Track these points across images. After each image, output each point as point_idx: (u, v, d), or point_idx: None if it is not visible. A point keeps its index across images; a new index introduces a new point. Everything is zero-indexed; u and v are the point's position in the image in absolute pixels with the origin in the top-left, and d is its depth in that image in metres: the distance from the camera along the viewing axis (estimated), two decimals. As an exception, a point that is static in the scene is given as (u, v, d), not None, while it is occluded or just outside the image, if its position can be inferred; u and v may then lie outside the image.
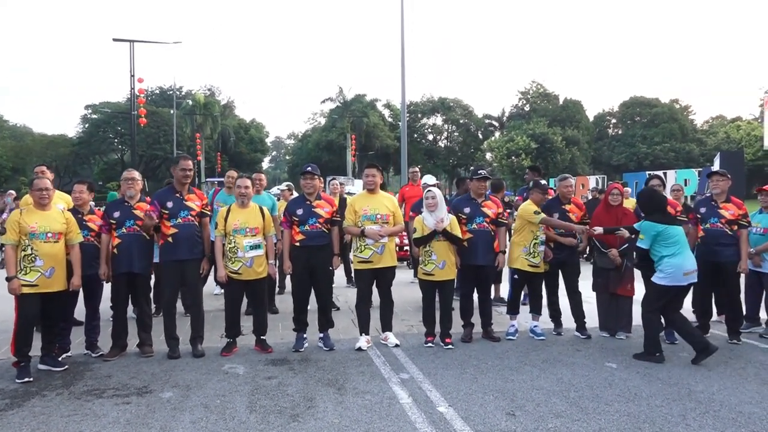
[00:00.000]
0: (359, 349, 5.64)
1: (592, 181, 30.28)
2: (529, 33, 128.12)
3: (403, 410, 4.17)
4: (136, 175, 5.85)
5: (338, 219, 5.82)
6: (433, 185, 7.02)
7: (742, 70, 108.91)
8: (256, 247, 5.50)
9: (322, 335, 5.86)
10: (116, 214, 5.60)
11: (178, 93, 55.20)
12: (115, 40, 24.70)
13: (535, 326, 6.30)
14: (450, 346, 5.73)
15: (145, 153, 49.04)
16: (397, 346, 5.73)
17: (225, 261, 5.51)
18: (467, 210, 6.04)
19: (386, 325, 5.94)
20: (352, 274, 7.90)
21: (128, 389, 4.67)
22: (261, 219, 5.59)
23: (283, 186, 9.82)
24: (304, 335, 5.78)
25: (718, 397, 4.41)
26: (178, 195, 5.63)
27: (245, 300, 5.88)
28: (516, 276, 6.26)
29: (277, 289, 8.08)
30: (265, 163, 78.08)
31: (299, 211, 5.64)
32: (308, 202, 5.69)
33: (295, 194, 7.56)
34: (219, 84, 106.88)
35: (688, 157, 51.78)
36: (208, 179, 41.97)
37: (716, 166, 16.32)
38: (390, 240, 5.77)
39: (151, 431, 3.85)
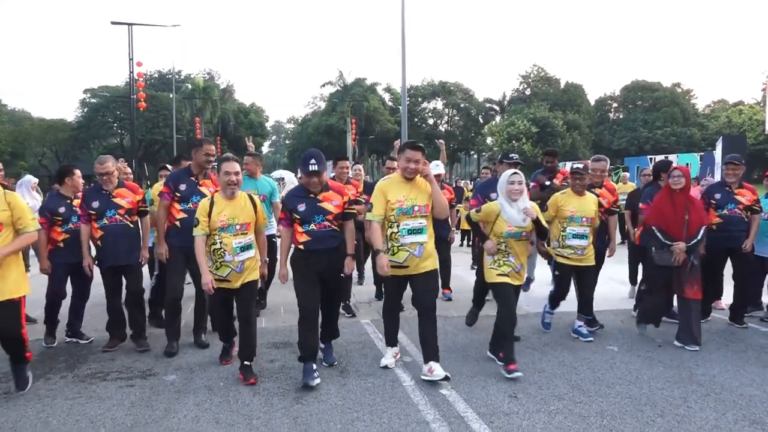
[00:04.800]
0: (385, 367, 4.71)
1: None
2: (530, 16, 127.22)
3: (406, 393, 4.20)
4: (110, 165, 5.21)
5: (352, 210, 4.67)
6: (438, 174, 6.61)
7: (745, 55, 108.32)
8: (248, 247, 4.50)
9: (323, 346, 4.91)
10: (95, 204, 5.14)
11: (177, 77, 54.98)
12: (113, 23, 24.50)
13: (580, 326, 5.64)
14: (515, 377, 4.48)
15: (144, 137, 48.87)
16: (446, 379, 4.35)
17: (209, 266, 4.48)
18: (494, 196, 5.27)
19: (431, 352, 4.48)
20: (373, 280, 7.39)
21: (132, 372, 4.69)
22: (252, 212, 4.56)
23: (279, 174, 9.31)
24: (314, 366, 4.43)
25: (719, 380, 4.44)
26: (193, 179, 5.24)
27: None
28: (557, 272, 5.65)
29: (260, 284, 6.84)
30: (265, 148, 77.91)
31: (301, 207, 4.47)
32: (312, 195, 4.51)
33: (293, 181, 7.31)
34: (218, 68, 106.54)
35: (690, 141, 51.62)
36: (207, 164, 41.84)
37: (718, 151, 16.28)
38: (430, 237, 4.53)
39: (156, 413, 3.88)
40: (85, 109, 53.33)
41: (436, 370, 4.37)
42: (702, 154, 24.21)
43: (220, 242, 4.41)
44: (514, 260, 4.68)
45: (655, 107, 56.33)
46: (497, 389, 4.25)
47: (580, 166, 5.50)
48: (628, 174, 15.70)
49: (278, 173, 27.72)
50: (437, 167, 7.93)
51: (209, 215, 4.41)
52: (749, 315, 6.25)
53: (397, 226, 4.41)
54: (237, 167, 4.50)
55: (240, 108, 61.41)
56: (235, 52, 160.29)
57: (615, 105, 62.52)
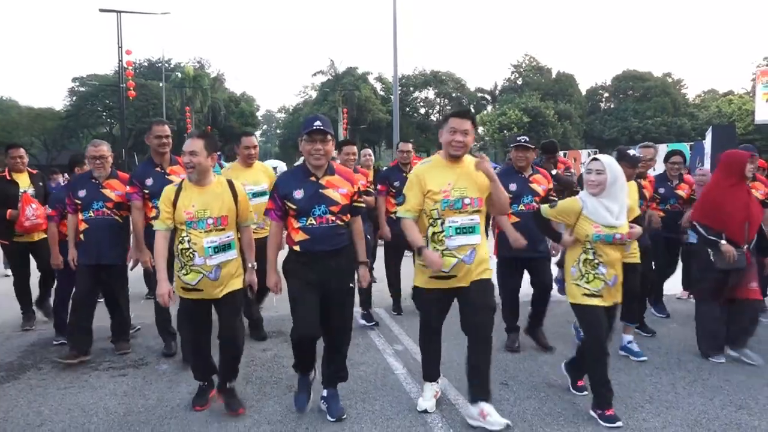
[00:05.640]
0: (425, 411, 3.68)
1: (584, 155, 30.30)
2: (522, 5, 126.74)
3: (398, 381, 4.23)
4: (105, 149, 4.76)
5: (361, 204, 3.71)
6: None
7: (735, 45, 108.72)
8: (225, 248, 3.55)
9: (326, 393, 3.68)
10: (82, 193, 4.67)
11: (167, 65, 54.43)
12: (101, 10, 24.19)
13: (630, 342, 4.73)
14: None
15: (134, 126, 48.44)
16: (508, 427, 3.40)
17: (175, 270, 3.62)
18: (513, 187, 4.67)
19: (481, 390, 3.47)
20: (400, 295, 6.17)
21: (124, 362, 4.69)
22: (232, 202, 3.61)
23: (271, 163, 7.13)
24: (310, 378, 3.77)
25: (706, 366, 4.50)
26: (158, 169, 4.66)
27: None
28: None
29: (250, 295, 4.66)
30: (256, 137, 77.60)
31: (298, 194, 3.43)
32: (314, 179, 3.47)
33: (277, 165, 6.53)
34: (208, 56, 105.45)
35: (680, 131, 51.85)
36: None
37: (708, 141, 16.34)
38: (483, 238, 3.54)
39: (149, 402, 3.89)
40: (74, 98, 52.74)
41: (491, 416, 3.36)
42: (692, 143, 24.34)
43: (189, 241, 3.50)
44: (607, 271, 3.55)
45: (645, 97, 56.47)
46: (488, 377, 4.28)
47: (634, 151, 4.71)
48: None
49: (270, 162, 27.64)
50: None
51: (174, 204, 3.54)
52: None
53: (442, 223, 3.40)
54: (196, 145, 3.50)
55: (231, 97, 60.96)
56: (226, 40, 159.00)
57: (606, 95, 62.59)
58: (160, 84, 48.55)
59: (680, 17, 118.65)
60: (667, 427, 3.47)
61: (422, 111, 62.66)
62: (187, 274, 3.53)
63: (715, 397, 3.91)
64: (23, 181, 5.67)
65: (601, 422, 3.48)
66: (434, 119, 61.62)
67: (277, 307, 6.25)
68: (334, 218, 3.45)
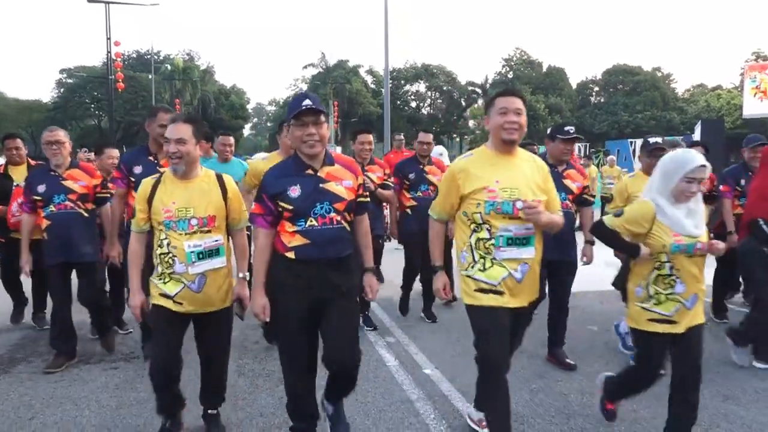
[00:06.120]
0: None
1: (576, 149, 30.46)
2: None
3: (390, 372, 4.25)
4: (62, 135, 4.38)
5: (366, 198, 3.03)
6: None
7: (723, 40, 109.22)
8: (211, 254, 3.02)
9: (331, 409, 3.09)
10: (41, 188, 4.28)
11: (156, 57, 53.98)
12: (89, 0, 23.94)
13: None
14: None
15: (123, 119, 48.10)
16: None
17: (153, 277, 3.08)
18: None
19: None
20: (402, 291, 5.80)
21: (115, 355, 4.68)
22: (221, 200, 3.07)
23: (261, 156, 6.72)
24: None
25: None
26: (151, 159, 4.22)
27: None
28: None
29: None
30: (246, 130, 77.13)
31: (294, 192, 2.77)
32: (310, 171, 2.82)
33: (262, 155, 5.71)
34: (198, 48, 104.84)
35: (669, 125, 52.17)
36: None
37: (697, 135, 16.46)
38: (538, 250, 2.91)
39: (140, 395, 3.88)
40: (62, 90, 52.31)
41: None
42: (681, 137, 24.50)
43: (168, 244, 2.96)
44: (684, 290, 2.95)
45: (635, 91, 56.75)
46: (480, 368, 4.31)
47: (659, 140, 4.34)
48: (615, 157, 15.82)
49: (260, 155, 27.52)
50: (441, 156, 7.08)
51: (149, 201, 3.02)
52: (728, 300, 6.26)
53: (489, 230, 2.80)
54: (183, 132, 2.96)
55: (221, 90, 60.59)
56: (216, 32, 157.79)
57: (596, 89, 62.83)
58: (150, 76, 48.18)
59: (670, 12, 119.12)
60: (656, 418, 3.51)
61: (413, 104, 62.59)
62: (166, 282, 3.00)
63: (704, 389, 3.90)
64: (19, 174, 5.20)
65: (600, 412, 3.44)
66: (425, 112, 61.63)
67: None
68: (339, 218, 2.81)
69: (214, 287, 3.04)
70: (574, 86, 61.34)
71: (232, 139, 5.90)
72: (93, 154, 5.98)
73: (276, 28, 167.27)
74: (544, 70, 59.61)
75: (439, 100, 61.98)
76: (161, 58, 57.32)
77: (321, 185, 2.81)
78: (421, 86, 61.98)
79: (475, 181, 2.81)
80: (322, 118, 2.78)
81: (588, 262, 4.41)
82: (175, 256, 2.96)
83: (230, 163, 5.81)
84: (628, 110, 55.13)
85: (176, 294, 2.99)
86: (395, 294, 6.23)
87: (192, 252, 2.95)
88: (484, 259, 2.84)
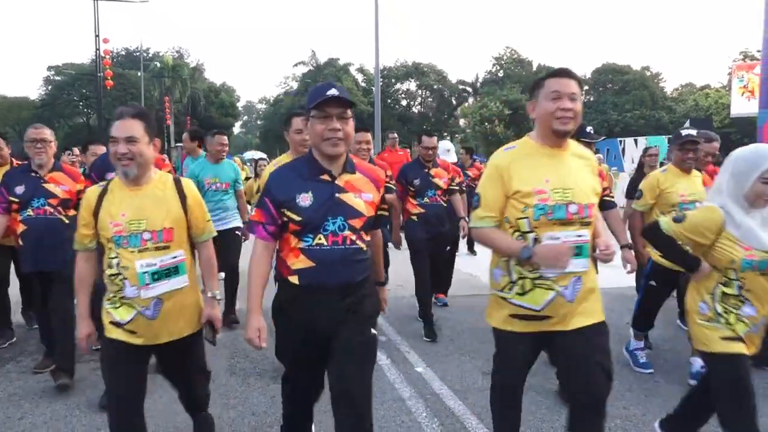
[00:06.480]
0: None
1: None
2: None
3: (381, 371, 4.25)
4: (47, 133, 4.08)
5: (386, 212, 2.61)
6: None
7: (712, 39, 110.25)
8: (169, 273, 2.55)
9: None
10: (19, 190, 3.97)
11: (145, 55, 53.67)
12: (77, -3, 23.73)
13: (636, 349, 4.33)
14: None
15: (111, 117, 47.80)
16: None
17: (105, 299, 2.61)
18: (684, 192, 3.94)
19: None
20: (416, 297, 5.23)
21: (105, 354, 4.64)
22: (179, 208, 2.61)
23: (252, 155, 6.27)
24: None
25: (685, 355, 4.58)
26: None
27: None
28: (653, 282, 4.12)
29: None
30: (237, 128, 76.81)
31: (304, 200, 2.29)
32: (327, 178, 2.34)
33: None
34: (188, 46, 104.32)
35: (658, 124, 52.54)
36: (177, 144, 41.23)
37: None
38: (591, 261, 2.45)
39: (131, 394, 3.85)
40: (49, 87, 51.88)
41: None
42: (670, 137, 24.69)
43: (118, 264, 2.50)
44: (756, 312, 2.56)
45: (624, 90, 57.15)
46: (472, 366, 4.33)
47: (693, 132, 4.02)
48: (603, 156, 15.93)
49: (250, 154, 27.39)
50: (447, 153, 6.67)
51: (95, 213, 2.55)
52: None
53: (534, 240, 2.35)
54: (133, 129, 2.51)
55: (210, 87, 60.33)
56: (205, 30, 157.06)
57: (586, 87, 63.18)
58: (139, 73, 47.89)
59: (659, 11, 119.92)
60: (646, 414, 3.54)
61: (404, 103, 62.65)
62: (117, 307, 2.54)
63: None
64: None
65: None
66: (416, 111, 61.70)
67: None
68: (354, 237, 2.32)
69: (174, 312, 2.57)
70: (563, 85, 61.72)
71: (226, 139, 5.65)
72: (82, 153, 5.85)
73: (266, 26, 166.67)
74: (534, 68, 59.81)
75: (430, 99, 62.09)
76: (150, 55, 57.01)
77: (337, 195, 2.31)
78: (411, 85, 62.07)
79: (522, 179, 2.35)
80: (349, 112, 2.33)
81: (632, 270, 3.91)
82: (125, 277, 2.49)
83: (221, 164, 5.52)
84: (618, 109, 55.51)
85: (130, 321, 2.52)
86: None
87: (145, 272, 2.48)
88: (525, 278, 2.38)
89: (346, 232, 2.30)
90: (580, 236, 2.35)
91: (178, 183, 2.67)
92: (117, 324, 2.54)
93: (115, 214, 2.52)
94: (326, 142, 2.28)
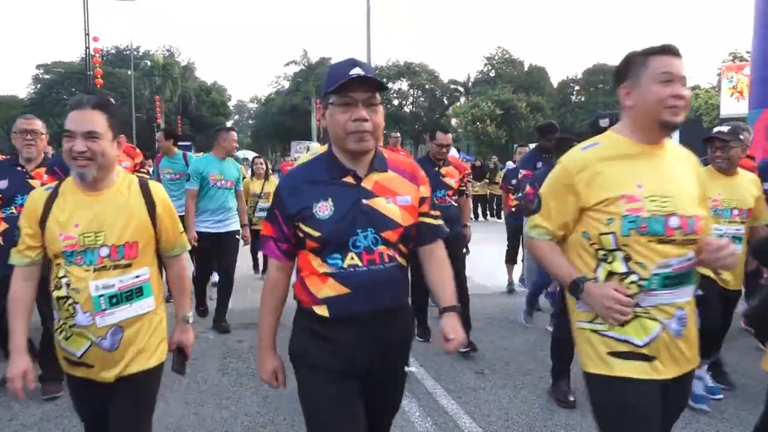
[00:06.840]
0: None
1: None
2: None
3: (375, 371, 4.25)
4: (39, 125, 3.78)
5: (438, 221, 2.04)
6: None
7: (701, 40, 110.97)
8: (131, 296, 2.09)
9: None
10: (2, 184, 3.65)
11: (135, 53, 53.38)
12: (67, -5, 23.57)
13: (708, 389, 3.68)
14: None
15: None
16: None
17: (55, 328, 2.13)
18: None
19: None
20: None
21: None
22: (146, 216, 2.14)
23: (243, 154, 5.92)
24: None
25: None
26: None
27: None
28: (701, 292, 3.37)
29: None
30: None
31: (323, 209, 1.80)
32: (351, 180, 1.83)
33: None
34: (178, 44, 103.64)
35: (648, 124, 53.02)
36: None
37: (675, 134, 16.72)
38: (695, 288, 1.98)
39: (123, 395, 3.83)
40: (38, 86, 51.55)
41: None
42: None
43: (68, 285, 2.03)
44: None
45: (615, 90, 57.63)
46: (465, 366, 4.34)
47: (724, 129, 3.61)
48: None
49: (242, 153, 27.29)
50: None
51: (42, 222, 2.06)
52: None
53: (627, 260, 1.83)
54: (94, 121, 2.01)
55: (201, 86, 60.13)
56: (196, 28, 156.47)
57: (577, 88, 63.53)
58: (129, 72, 47.63)
59: (649, 12, 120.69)
60: None
61: (395, 102, 62.71)
62: (67, 338, 2.07)
63: (683, 384, 4.02)
64: None
65: None
66: (408, 111, 61.79)
67: (251, 298, 6.22)
68: (392, 252, 1.84)
69: (138, 342, 2.10)
70: (555, 85, 62.00)
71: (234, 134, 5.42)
72: None
73: (257, 25, 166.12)
74: (526, 69, 60.15)
75: (422, 99, 62.19)
76: (141, 54, 56.71)
77: (364, 201, 1.81)
78: (403, 84, 62.12)
79: (606, 184, 1.83)
80: (378, 96, 1.81)
81: None
82: (76, 302, 2.01)
83: (227, 161, 5.28)
84: (608, 109, 55.71)
85: (83, 354, 2.05)
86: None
87: (100, 296, 2.01)
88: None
89: (380, 247, 1.81)
90: (689, 259, 1.84)
91: (145, 187, 2.17)
92: (68, 360, 2.10)
93: (66, 223, 2.03)
94: (351, 137, 1.76)
